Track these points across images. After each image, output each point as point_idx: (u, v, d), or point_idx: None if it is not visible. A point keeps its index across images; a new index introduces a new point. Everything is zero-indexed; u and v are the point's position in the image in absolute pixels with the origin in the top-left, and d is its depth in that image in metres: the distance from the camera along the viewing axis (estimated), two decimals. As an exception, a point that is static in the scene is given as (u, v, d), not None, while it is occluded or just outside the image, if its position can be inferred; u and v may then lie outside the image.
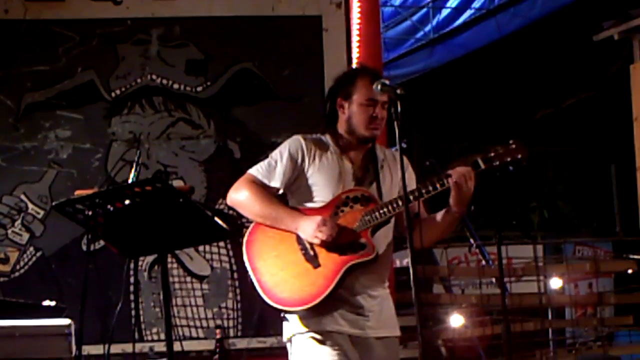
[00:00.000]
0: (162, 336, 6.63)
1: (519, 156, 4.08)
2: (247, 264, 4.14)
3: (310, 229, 4.05)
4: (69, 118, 6.93)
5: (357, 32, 7.14)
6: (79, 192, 3.95)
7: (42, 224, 6.85)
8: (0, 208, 6.83)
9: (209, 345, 6.84)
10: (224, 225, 3.93)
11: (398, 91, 3.95)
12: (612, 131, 13.46)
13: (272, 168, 4.19)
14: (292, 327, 4.12)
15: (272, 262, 4.11)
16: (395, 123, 3.92)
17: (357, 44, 7.12)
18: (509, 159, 4.07)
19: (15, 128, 6.89)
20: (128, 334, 6.52)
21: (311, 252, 4.08)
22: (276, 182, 4.18)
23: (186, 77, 7.08)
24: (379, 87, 4.02)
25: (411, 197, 4.05)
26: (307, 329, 4.08)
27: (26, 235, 6.83)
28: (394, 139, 3.92)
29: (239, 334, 6.94)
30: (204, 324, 6.90)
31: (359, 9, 7.14)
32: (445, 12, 12.54)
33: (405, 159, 4.18)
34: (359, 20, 7.13)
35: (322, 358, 4.04)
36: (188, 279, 6.90)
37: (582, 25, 10.86)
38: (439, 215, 4.20)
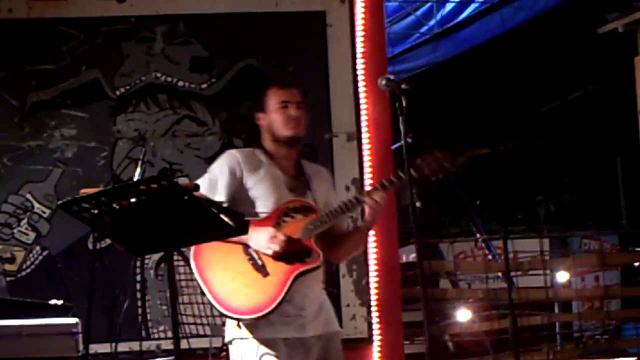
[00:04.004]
0: (169, 334, 6.63)
1: (441, 167, 4.09)
2: (196, 276, 4.30)
3: (262, 240, 4.20)
4: (74, 117, 6.93)
5: (362, 28, 7.11)
6: (84, 191, 3.94)
7: (48, 223, 6.84)
8: (6, 207, 6.83)
9: (216, 342, 6.84)
10: (230, 222, 3.93)
11: (403, 86, 3.95)
12: (618, 124, 13.46)
13: (214, 183, 4.34)
14: (232, 331, 4.32)
15: (222, 273, 4.26)
16: (401, 118, 3.93)
17: (362, 39, 7.10)
18: (429, 170, 4.08)
19: (20, 127, 6.87)
20: (135, 332, 6.54)
21: (259, 262, 4.22)
22: (220, 196, 4.31)
23: (191, 75, 7.06)
24: (384, 82, 4.03)
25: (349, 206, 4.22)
26: (245, 336, 4.26)
27: (32, 235, 6.83)
28: (399, 134, 3.92)
29: (246, 330, 6.92)
30: (211, 321, 6.90)
31: (363, 4, 7.12)
32: (449, 6, 12.51)
33: (327, 173, 4.56)
34: (363, 16, 7.11)
35: None
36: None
37: (586, 18, 10.86)
38: (350, 232, 4.42)
